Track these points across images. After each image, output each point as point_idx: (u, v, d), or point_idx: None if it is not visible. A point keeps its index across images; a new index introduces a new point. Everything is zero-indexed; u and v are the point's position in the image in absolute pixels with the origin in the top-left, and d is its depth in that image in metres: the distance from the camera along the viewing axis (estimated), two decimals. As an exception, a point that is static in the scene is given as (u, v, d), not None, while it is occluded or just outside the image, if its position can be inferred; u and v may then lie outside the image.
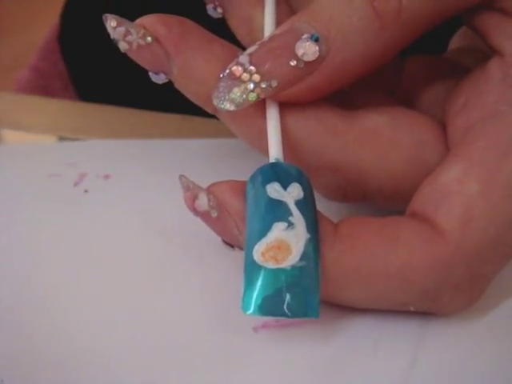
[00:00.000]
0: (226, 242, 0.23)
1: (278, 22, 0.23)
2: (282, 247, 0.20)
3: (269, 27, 0.23)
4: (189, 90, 0.23)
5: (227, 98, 0.22)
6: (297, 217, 0.21)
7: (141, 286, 0.25)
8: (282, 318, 0.20)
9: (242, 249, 0.22)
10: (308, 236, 0.20)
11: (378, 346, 0.22)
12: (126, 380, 0.22)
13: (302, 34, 0.21)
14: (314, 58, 0.21)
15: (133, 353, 0.23)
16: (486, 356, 0.22)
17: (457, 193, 0.21)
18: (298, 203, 0.21)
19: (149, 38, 0.22)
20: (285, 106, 0.23)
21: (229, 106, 0.22)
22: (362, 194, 0.24)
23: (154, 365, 0.22)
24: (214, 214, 0.22)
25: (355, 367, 0.22)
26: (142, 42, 0.22)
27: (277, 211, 0.21)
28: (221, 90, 0.22)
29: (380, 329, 0.23)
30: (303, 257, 0.20)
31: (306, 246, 0.20)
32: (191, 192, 0.22)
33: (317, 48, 0.21)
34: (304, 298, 0.20)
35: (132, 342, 0.23)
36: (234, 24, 0.26)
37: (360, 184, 0.23)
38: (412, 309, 0.21)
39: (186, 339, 0.23)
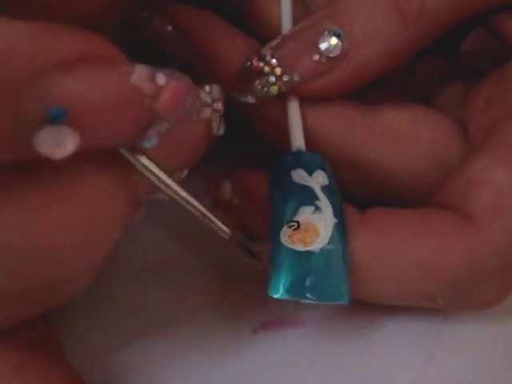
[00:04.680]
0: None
1: (294, 17, 0.23)
2: (309, 230, 0.19)
3: (286, 22, 0.23)
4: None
5: (248, 90, 0.22)
6: (323, 201, 0.20)
7: (140, 284, 0.24)
8: (309, 302, 0.19)
9: (263, 238, 0.21)
10: (335, 221, 0.20)
11: (377, 347, 0.22)
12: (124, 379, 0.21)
13: (325, 30, 0.22)
14: (336, 54, 0.21)
15: (131, 351, 0.22)
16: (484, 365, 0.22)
17: (485, 182, 0.20)
18: (323, 189, 0.20)
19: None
20: (305, 102, 0.22)
21: (249, 99, 0.22)
22: (381, 190, 0.23)
23: (154, 364, 0.22)
24: (236, 201, 0.21)
25: (355, 367, 0.22)
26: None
27: (303, 195, 0.20)
28: (242, 82, 0.22)
29: (380, 329, 0.23)
30: (331, 240, 0.19)
31: (334, 230, 0.19)
32: (214, 181, 0.21)
33: (340, 43, 0.21)
34: (333, 281, 0.19)
35: (131, 341, 0.22)
36: (252, 18, 0.26)
37: (379, 180, 0.23)
38: (441, 303, 0.20)
39: (185, 339, 0.22)
